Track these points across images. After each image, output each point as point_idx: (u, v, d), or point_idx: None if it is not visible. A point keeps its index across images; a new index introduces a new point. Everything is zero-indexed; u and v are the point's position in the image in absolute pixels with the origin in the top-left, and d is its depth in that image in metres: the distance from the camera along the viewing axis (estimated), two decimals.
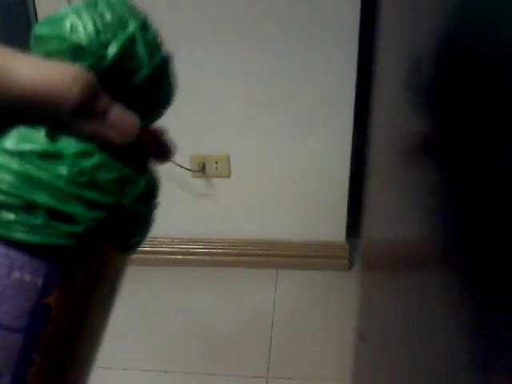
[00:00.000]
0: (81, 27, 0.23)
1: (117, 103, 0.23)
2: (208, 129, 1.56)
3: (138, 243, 0.26)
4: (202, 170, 1.60)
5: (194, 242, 1.70)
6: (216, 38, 1.46)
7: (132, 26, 0.23)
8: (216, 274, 1.66)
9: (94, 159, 0.22)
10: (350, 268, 1.66)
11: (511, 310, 0.25)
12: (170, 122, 1.47)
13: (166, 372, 1.27)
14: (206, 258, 1.70)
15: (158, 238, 1.71)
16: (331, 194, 1.60)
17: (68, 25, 0.23)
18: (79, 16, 0.23)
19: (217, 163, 1.60)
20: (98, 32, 0.23)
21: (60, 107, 0.21)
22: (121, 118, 0.23)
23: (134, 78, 0.24)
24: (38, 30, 0.25)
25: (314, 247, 1.66)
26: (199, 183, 1.63)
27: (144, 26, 0.24)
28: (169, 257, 1.71)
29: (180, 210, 1.66)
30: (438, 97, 0.37)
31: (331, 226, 1.65)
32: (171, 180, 1.62)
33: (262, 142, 1.56)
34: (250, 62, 1.47)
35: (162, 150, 0.27)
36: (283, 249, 1.67)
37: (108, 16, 0.23)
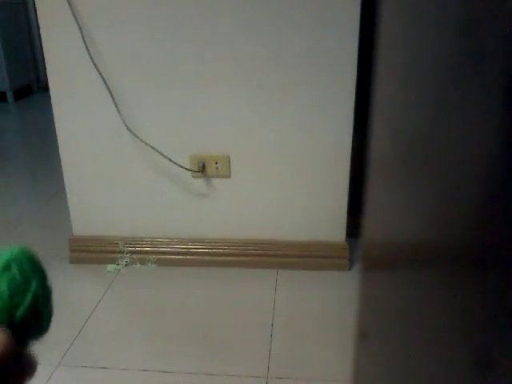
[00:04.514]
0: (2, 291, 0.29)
1: (26, 352, 0.30)
2: (208, 129, 1.56)
3: None
4: (202, 170, 1.60)
5: (194, 241, 1.70)
6: (217, 37, 1.46)
7: (34, 286, 0.30)
8: (216, 274, 1.66)
9: None
10: (350, 268, 1.66)
11: (511, 308, 0.25)
12: (171, 123, 1.49)
13: (165, 372, 1.27)
14: (206, 257, 1.70)
15: (158, 238, 1.71)
16: (331, 195, 1.60)
17: None
18: None
19: (217, 163, 1.60)
20: (10, 296, 0.29)
21: None
22: (28, 363, 0.30)
23: (37, 325, 0.31)
24: None
25: (314, 247, 1.66)
26: (199, 183, 1.63)
27: (43, 281, 0.31)
28: (169, 257, 1.71)
29: (180, 210, 1.66)
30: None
31: (331, 226, 1.65)
32: (171, 180, 1.62)
33: (262, 142, 1.56)
34: (250, 62, 1.48)
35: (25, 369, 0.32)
36: (283, 249, 1.67)
37: (18, 278, 0.29)
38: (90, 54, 1.49)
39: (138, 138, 1.57)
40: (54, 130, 1.62)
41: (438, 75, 0.37)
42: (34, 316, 0.30)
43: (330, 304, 1.51)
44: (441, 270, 0.36)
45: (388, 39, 0.52)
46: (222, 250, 1.70)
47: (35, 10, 1.53)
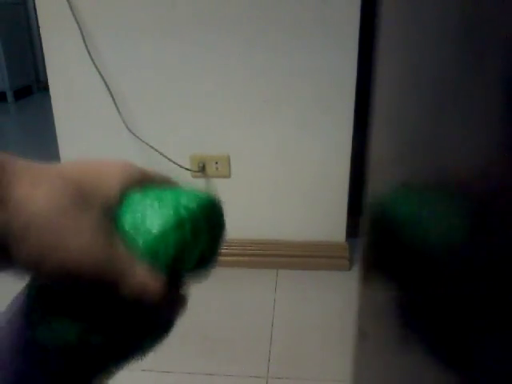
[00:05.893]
0: (168, 248, 0.28)
1: (179, 291, 0.30)
2: (208, 129, 1.56)
3: None
4: (202, 170, 1.60)
5: None
6: (217, 37, 1.46)
7: (204, 241, 0.30)
8: (216, 274, 1.66)
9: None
10: (350, 268, 1.66)
11: (510, 309, 0.25)
12: (171, 123, 1.49)
13: (165, 372, 1.27)
14: None
15: None
16: (331, 195, 1.60)
17: (162, 243, 0.27)
18: (167, 236, 0.27)
19: (217, 163, 1.60)
20: (174, 258, 0.28)
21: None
22: (179, 301, 0.31)
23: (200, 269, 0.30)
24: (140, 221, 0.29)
25: (314, 247, 1.66)
26: (199, 183, 1.63)
27: (215, 233, 0.31)
28: None
29: None
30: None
31: (331, 226, 1.65)
32: None
33: (262, 142, 1.56)
34: (250, 63, 1.47)
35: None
36: (283, 249, 1.67)
37: (188, 237, 0.28)
38: (90, 54, 1.49)
39: (138, 138, 1.57)
40: (54, 129, 1.61)
41: (437, 75, 0.37)
42: (196, 267, 0.30)
43: (330, 304, 1.51)
44: (440, 271, 0.36)
45: (388, 39, 0.52)
46: (222, 250, 1.69)
47: (35, 10, 1.53)
